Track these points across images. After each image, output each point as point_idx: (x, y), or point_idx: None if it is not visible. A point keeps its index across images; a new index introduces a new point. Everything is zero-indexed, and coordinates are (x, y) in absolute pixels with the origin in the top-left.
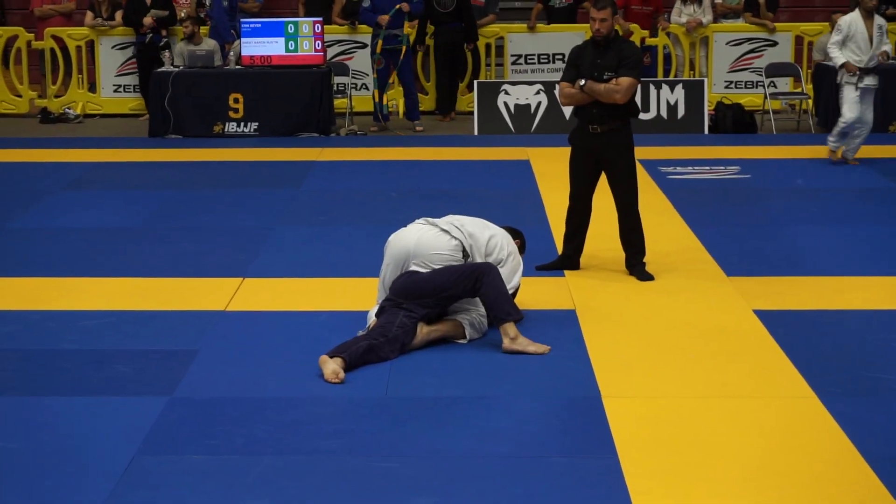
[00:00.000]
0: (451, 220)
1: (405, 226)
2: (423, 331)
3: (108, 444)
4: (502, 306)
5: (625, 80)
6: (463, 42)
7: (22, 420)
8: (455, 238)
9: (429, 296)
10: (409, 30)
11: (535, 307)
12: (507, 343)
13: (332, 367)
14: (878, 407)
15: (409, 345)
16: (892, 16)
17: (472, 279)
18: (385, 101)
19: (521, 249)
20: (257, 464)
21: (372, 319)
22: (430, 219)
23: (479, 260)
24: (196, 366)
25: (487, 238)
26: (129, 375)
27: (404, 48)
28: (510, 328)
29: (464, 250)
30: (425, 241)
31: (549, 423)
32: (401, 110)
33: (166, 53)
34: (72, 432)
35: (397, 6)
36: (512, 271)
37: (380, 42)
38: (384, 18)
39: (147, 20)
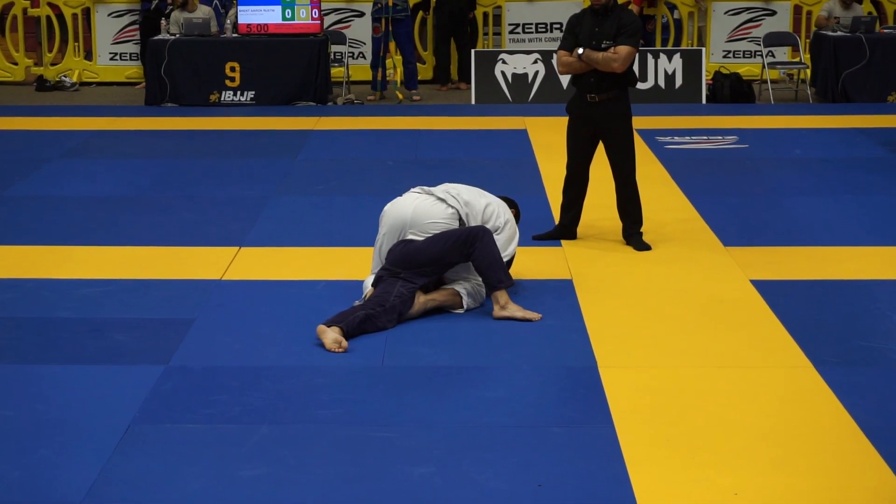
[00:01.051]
0: (446, 189)
1: (401, 195)
2: (421, 300)
3: (104, 413)
4: (495, 273)
5: (623, 49)
6: (466, 10)
7: (18, 388)
8: (451, 206)
9: (425, 265)
10: None
11: (532, 277)
12: (497, 310)
13: (332, 335)
14: (875, 377)
15: (406, 314)
16: None
17: (466, 244)
18: (388, 69)
19: (516, 219)
20: (254, 433)
21: (368, 289)
22: (425, 187)
23: None
24: (193, 334)
25: (483, 206)
26: (126, 344)
27: (403, 17)
28: (501, 295)
29: (460, 219)
30: (421, 210)
31: (546, 393)
32: (399, 79)
33: (163, 22)
34: (68, 401)
35: None
36: (508, 239)
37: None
38: None
39: None
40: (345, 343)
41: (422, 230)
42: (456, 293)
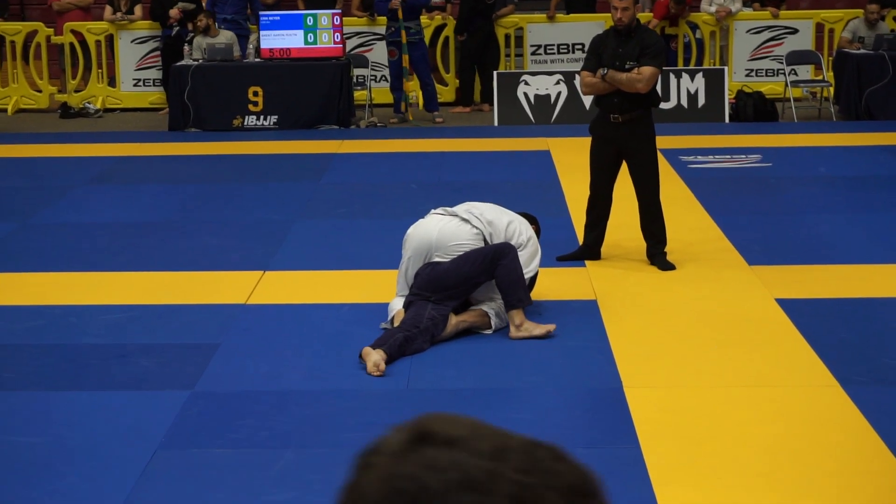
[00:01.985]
0: (468, 208)
1: (423, 217)
2: (453, 321)
3: (130, 439)
4: (515, 291)
5: (647, 70)
6: (486, 35)
7: (45, 414)
8: (475, 227)
9: (454, 287)
10: (429, 21)
11: (557, 297)
12: (513, 331)
13: (374, 358)
14: None
15: (439, 336)
16: None
17: (492, 261)
18: (407, 93)
19: (537, 234)
20: (280, 457)
21: (394, 311)
22: (447, 208)
23: None
24: (218, 359)
25: (506, 224)
26: (152, 369)
27: (404, 35)
28: (517, 315)
29: (484, 238)
30: (447, 231)
31: (571, 414)
32: (420, 102)
33: (186, 48)
34: (95, 427)
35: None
36: (531, 256)
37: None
38: (395, 2)
39: (173, 12)
40: (383, 366)
41: (448, 252)
42: (484, 314)
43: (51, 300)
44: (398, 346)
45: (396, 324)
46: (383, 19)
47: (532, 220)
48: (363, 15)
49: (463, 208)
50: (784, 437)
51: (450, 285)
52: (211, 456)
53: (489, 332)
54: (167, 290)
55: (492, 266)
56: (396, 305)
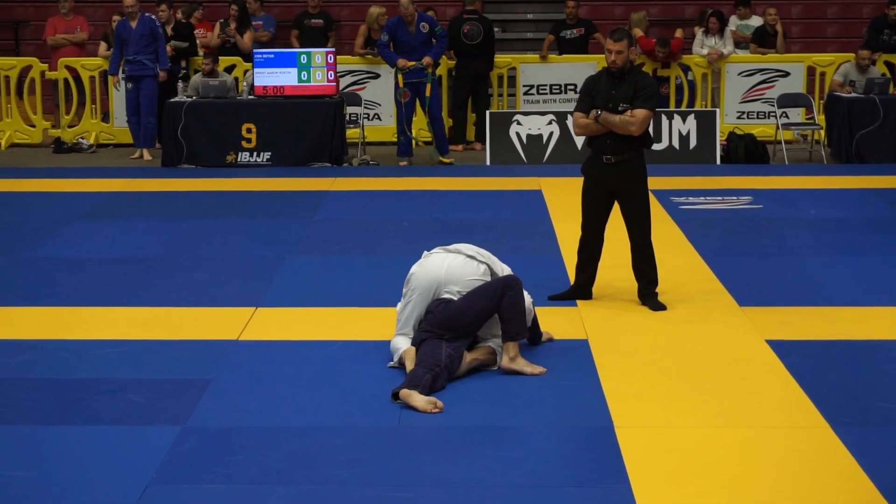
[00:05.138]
0: (467, 247)
1: (420, 255)
2: (467, 359)
3: (121, 474)
4: (515, 324)
5: (640, 112)
6: (485, 73)
7: (36, 449)
8: (482, 263)
9: (469, 325)
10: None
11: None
12: (506, 361)
13: (421, 398)
14: (892, 437)
15: (454, 374)
16: None
17: (498, 294)
18: (412, 135)
19: None
20: (271, 493)
21: (401, 350)
22: (446, 247)
23: None
24: (209, 395)
25: (500, 262)
26: (143, 405)
27: (429, 83)
28: (513, 347)
29: (491, 273)
30: (455, 268)
31: (562, 453)
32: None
33: (181, 84)
34: (86, 462)
35: (422, 64)
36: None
37: (401, 77)
38: (404, 63)
39: (167, 49)
40: (440, 403)
41: (458, 288)
42: (493, 350)
43: (42, 335)
44: (429, 386)
45: (408, 363)
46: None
47: None
48: (365, 52)
49: (461, 246)
50: (774, 478)
51: (465, 323)
52: (203, 491)
53: (495, 368)
54: (159, 326)
55: (499, 300)
56: (401, 344)
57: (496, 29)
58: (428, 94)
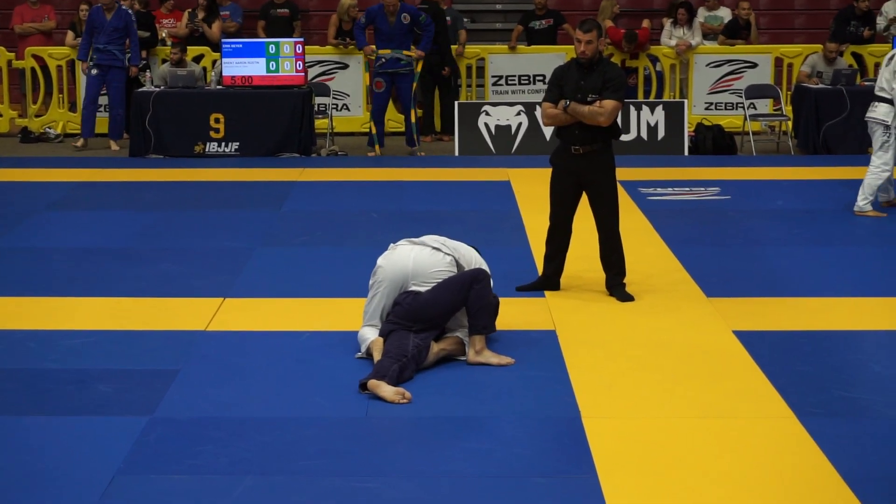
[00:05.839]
0: (433, 238)
1: (387, 247)
2: (434, 349)
3: (88, 464)
4: (482, 317)
5: (609, 103)
6: (437, 63)
7: (2, 439)
8: (448, 254)
9: (437, 317)
10: (411, 54)
11: (516, 328)
12: (472, 355)
13: (389, 388)
14: (857, 427)
15: (422, 364)
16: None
17: (466, 287)
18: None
19: None
20: (239, 484)
21: (368, 341)
22: (412, 239)
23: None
24: (177, 385)
25: (467, 252)
26: (111, 395)
27: (415, 81)
28: (479, 341)
29: (457, 264)
30: (422, 260)
31: (529, 444)
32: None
33: (146, 74)
34: (52, 452)
35: (402, 55)
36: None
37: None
38: (370, 51)
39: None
40: (408, 393)
41: (425, 280)
42: (460, 341)
43: (9, 325)
44: (396, 377)
45: (376, 354)
46: (353, 50)
47: (477, 252)
48: (338, 43)
49: (428, 238)
50: (741, 468)
51: (433, 315)
52: (170, 482)
53: (464, 358)
54: (126, 316)
55: (467, 293)
56: (369, 335)
57: (465, 20)
58: (415, 88)
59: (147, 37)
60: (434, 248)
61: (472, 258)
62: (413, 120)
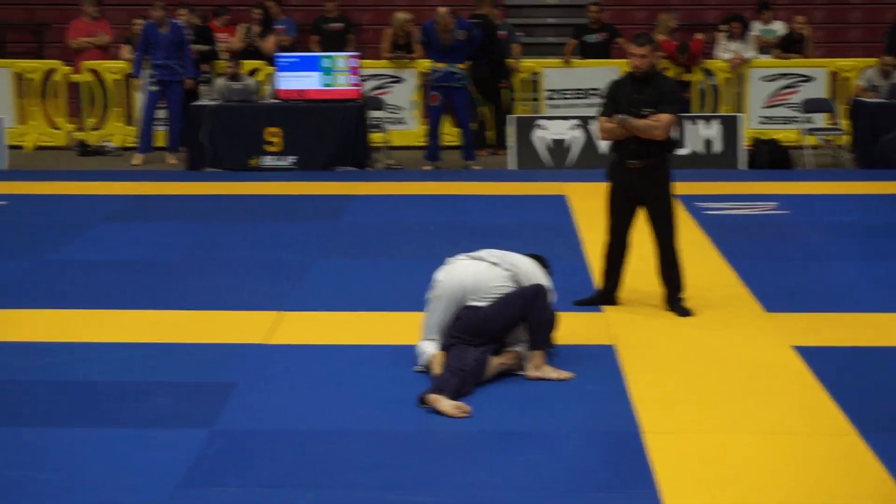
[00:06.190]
0: (491, 253)
1: (444, 261)
2: (494, 363)
3: (148, 477)
4: (542, 333)
5: (664, 117)
6: (490, 76)
7: (61, 452)
8: (506, 270)
9: (497, 332)
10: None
11: (574, 342)
12: (531, 370)
13: (447, 402)
14: None
15: (482, 379)
16: None
17: (529, 302)
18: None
19: (549, 275)
20: (298, 497)
21: (427, 355)
22: (470, 254)
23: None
24: (235, 398)
25: (526, 266)
26: (169, 408)
27: (458, 86)
28: (538, 356)
29: (515, 280)
30: (481, 276)
31: (587, 458)
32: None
33: (204, 87)
34: (112, 465)
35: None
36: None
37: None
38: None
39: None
40: (467, 407)
41: (483, 295)
42: (519, 356)
43: (67, 337)
44: (455, 390)
45: (436, 367)
46: (413, 62)
47: (542, 261)
48: (393, 56)
49: (485, 253)
50: (802, 485)
51: (493, 329)
52: (230, 495)
53: (523, 373)
54: (183, 329)
55: (528, 309)
56: (428, 349)
57: (518, 34)
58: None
59: (207, 50)
60: (492, 262)
61: (532, 272)
62: (469, 133)
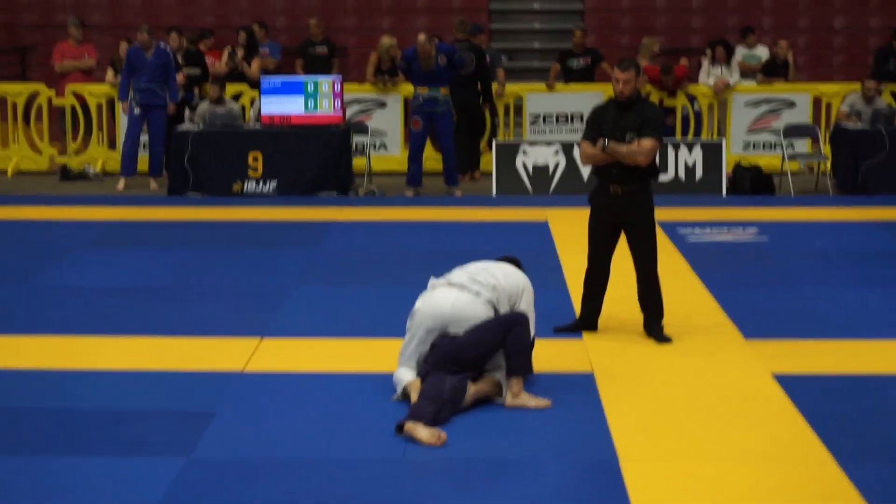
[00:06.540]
0: (470, 276)
1: (425, 287)
2: (472, 391)
3: None
4: (519, 360)
5: (647, 143)
6: (477, 102)
7: (39, 480)
8: (487, 301)
9: (473, 360)
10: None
11: (553, 369)
12: (509, 399)
13: (425, 431)
14: None
15: (460, 406)
16: None
17: (504, 330)
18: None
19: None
20: None
21: (404, 383)
22: (450, 279)
23: (504, 309)
24: (214, 426)
25: (503, 281)
26: (147, 436)
27: (444, 111)
28: (516, 383)
29: (494, 308)
30: (460, 307)
31: (565, 485)
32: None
33: (188, 112)
34: (90, 493)
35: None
36: (528, 304)
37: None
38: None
39: (179, 78)
40: (444, 435)
41: (464, 325)
42: (497, 383)
43: (46, 364)
44: (433, 418)
45: (413, 395)
46: (397, 87)
47: (516, 263)
48: (377, 81)
49: (465, 278)
50: None
51: (471, 357)
52: None
53: (500, 399)
54: (164, 356)
55: (504, 337)
56: (405, 376)
57: (503, 57)
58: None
59: (198, 74)
60: (474, 292)
61: (511, 287)
62: (452, 159)
